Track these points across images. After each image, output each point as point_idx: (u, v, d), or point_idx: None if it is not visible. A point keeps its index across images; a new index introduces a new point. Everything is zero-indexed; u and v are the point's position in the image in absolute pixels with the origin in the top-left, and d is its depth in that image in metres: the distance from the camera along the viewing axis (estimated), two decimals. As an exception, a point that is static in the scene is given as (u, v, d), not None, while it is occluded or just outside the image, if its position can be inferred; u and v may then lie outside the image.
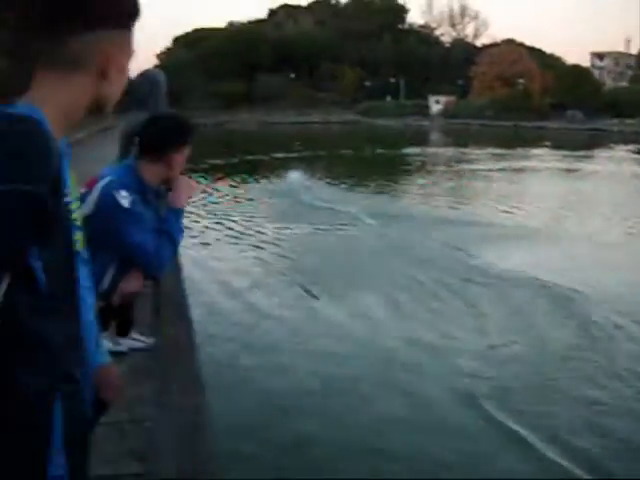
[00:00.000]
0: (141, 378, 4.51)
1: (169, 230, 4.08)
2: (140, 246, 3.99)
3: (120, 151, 7.10)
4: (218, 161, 34.56)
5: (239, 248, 15.23)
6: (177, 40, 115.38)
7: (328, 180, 28.10)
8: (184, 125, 4.28)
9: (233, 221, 18.32)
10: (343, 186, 26.37)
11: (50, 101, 1.65)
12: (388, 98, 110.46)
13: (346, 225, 17.68)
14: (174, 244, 4.11)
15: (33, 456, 1.62)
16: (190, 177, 4.56)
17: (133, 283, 4.20)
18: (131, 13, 1.76)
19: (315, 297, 11.30)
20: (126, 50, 1.78)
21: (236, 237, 16.35)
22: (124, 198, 3.97)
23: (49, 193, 1.50)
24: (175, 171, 4.19)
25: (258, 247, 15.19)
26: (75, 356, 1.75)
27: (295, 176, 27.45)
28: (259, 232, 16.82)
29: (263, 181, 28.13)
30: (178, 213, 4.16)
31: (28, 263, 1.53)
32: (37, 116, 1.57)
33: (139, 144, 4.30)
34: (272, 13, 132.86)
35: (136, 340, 5.16)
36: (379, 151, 45.52)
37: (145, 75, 6.85)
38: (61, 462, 1.65)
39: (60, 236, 1.64)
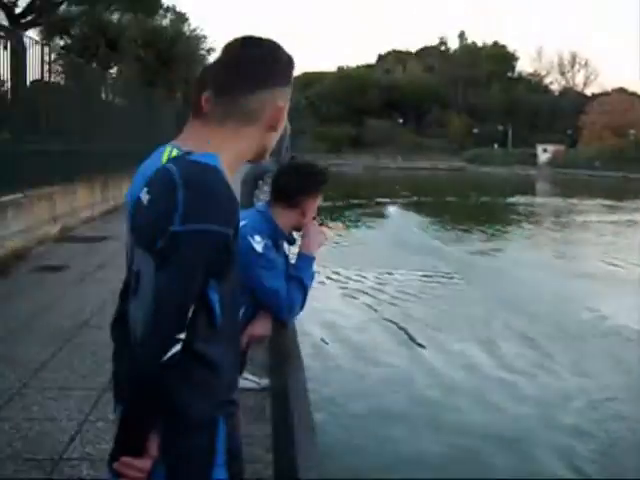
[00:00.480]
0: (250, 419, 4.59)
1: (300, 276, 4.14)
2: (274, 291, 4.05)
3: (246, 195, 7.23)
4: (326, 203, 34.77)
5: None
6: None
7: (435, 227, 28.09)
8: (320, 174, 4.33)
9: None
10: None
11: (226, 150, 1.88)
12: (495, 146, 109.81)
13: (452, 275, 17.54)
14: (305, 290, 4.17)
15: (201, 472, 1.89)
16: (321, 224, 4.61)
17: (262, 327, 4.27)
18: (293, 68, 2.02)
19: (421, 346, 11.23)
20: (288, 103, 2.01)
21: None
22: (258, 243, 4.05)
23: (233, 235, 1.79)
24: (308, 218, 4.25)
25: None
26: (235, 380, 2.05)
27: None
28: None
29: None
30: (309, 259, 4.22)
31: (207, 296, 1.83)
32: (217, 164, 1.82)
33: (273, 190, 4.38)
34: (380, 58, 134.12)
35: (248, 380, 5.24)
36: (484, 199, 44.91)
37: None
38: (223, 476, 1.92)
39: (234, 273, 1.92)
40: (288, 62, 1.98)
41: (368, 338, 11.67)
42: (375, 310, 13.56)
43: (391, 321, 12.65)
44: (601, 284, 16.71)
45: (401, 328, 12.13)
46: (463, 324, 12.65)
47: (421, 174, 79.26)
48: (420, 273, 17.37)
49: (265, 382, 5.48)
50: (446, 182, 69.87)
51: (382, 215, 32.23)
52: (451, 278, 17.10)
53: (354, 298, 14.61)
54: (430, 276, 17.09)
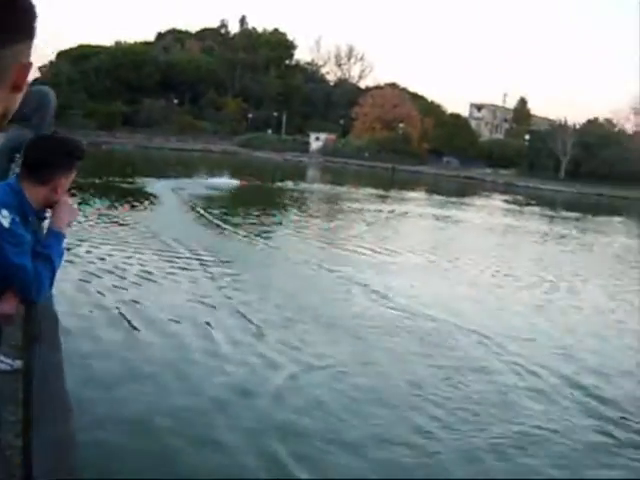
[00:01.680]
0: (3, 403, 4.41)
1: (48, 253, 3.97)
2: (20, 268, 3.85)
3: (0, 168, 6.86)
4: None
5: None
6: (60, 55, 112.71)
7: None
8: (74, 149, 4.14)
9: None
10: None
11: None
12: (269, 131, 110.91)
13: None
14: (53, 268, 3.99)
15: None
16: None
17: (7, 305, 4.08)
18: (35, 18, 1.77)
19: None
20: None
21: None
22: (4, 218, 3.84)
23: None
24: (60, 195, 4.08)
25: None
26: None
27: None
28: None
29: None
30: (59, 237, 4.04)
31: None
32: None
33: (23, 164, 4.16)
34: (160, 36, 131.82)
35: (1, 362, 5.03)
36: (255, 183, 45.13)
37: (33, 90, 6.63)
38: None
39: None
40: (29, 11, 1.85)
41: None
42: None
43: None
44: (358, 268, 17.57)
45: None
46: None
47: (194, 156, 78.94)
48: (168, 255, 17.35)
49: (19, 363, 5.28)
50: (219, 165, 70.02)
51: (149, 195, 31.56)
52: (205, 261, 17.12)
53: (99, 277, 14.33)
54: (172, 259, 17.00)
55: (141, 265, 15.79)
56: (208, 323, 11.71)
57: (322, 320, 12.65)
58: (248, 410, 8.44)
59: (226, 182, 40.13)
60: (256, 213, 28.10)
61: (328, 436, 7.97)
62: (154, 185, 34.15)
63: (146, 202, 28.95)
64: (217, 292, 14.05)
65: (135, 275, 14.74)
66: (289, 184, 45.53)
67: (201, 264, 16.39)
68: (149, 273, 15.04)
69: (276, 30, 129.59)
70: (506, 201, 54.55)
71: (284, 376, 9.62)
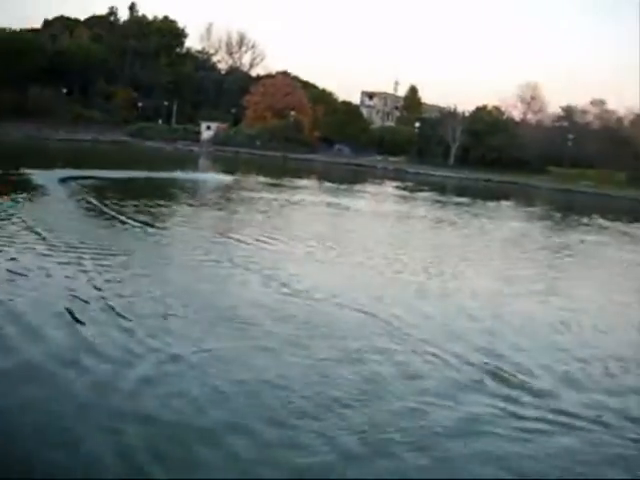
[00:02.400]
0: None
1: None
2: None
3: None
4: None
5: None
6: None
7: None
8: None
9: None
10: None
11: None
12: (160, 121, 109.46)
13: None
14: None
15: None
16: None
17: None
18: None
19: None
20: None
21: None
22: None
23: None
24: None
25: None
26: None
27: None
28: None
29: None
30: None
31: None
32: None
33: None
34: (47, 24, 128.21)
35: None
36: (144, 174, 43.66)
37: None
38: None
39: None
40: None
41: None
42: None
43: None
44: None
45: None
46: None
47: (83, 146, 77.26)
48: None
49: None
50: (108, 155, 68.70)
51: (34, 187, 30.38)
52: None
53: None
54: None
55: (12, 260, 15.07)
56: (78, 320, 11.30)
57: (208, 310, 12.48)
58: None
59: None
60: (148, 204, 27.40)
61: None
62: (39, 176, 32.95)
63: (29, 193, 27.91)
64: (94, 285, 13.53)
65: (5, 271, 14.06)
66: (180, 174, 44.74)
67: (81, 257, 15.80)
68: (23, 268, 14.35)
69: (166, 18, 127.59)
70: (397, 187, 55.29)
71: (149, 366, 9.57)
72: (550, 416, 9.25)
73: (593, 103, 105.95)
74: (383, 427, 8.43)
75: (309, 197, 38.46)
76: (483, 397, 9.68)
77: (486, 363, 11.06)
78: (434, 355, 11.21)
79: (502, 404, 9.48)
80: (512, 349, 12.03)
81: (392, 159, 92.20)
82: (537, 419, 9.14)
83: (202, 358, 10.11)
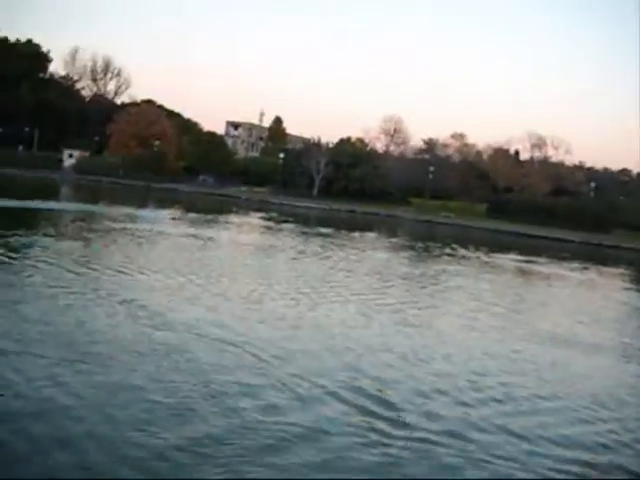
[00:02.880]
0: None
1: None
2: None
3: None
4: None
5: None
6: None
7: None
8: None
9: None
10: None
11: None
12: (20, 148, 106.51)
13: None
14: None
15: None
16: None
17: None
18: None
19: None
20: None
21: None
22: None
23: None
24: None
25: None
26: None
27: None
28: None
29: None
30: None
31: None
32: None
33: None
34: None
35: None
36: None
37: None
38: None
39: None
40: None
41: None
42: None
43: None
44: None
45: None
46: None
47: None
48: None
49: None
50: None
51: None
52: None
53: None
54: None
55: None
56: None
57: (59, 344, 12.13)
58: None
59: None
60: (5, 234, 26.38)
61: None
62: None
63: None
64: None
65: None
66: (40, 204, 43.54)
67: None
68: None
69: (30, 41, 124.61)
70: (262, 218, 55.39)
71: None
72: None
73: (454, 137, 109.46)
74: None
75: (172, 229, 37.98)
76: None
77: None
78: (298, 386, 11.31)
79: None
80: (372, 380, 12.28)
81: (257, 190, 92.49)
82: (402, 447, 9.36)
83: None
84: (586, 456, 10.04)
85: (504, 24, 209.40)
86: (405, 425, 10.25)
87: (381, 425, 10.14)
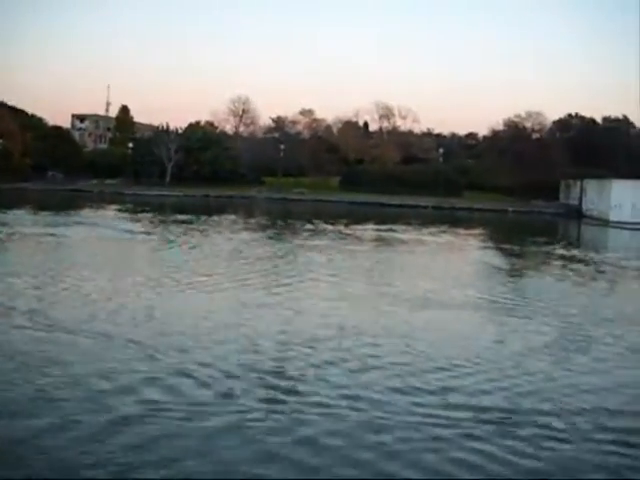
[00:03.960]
0: None
1: None
2: None
3: None
4: None
5: None
6: None
7: None
8: None
9: None
10: None
11: None
12: None
13: None
14: None
15: None
16: None
17: None
18: None
19: None
20: None
21: None
22: None
23: None
24: None
25: None
26: None
27: None
28: None
29: None
30: None
31: None
32: None
33: None
34: None
35: None
36: None
37: None
38: None
39: None
40: None
41: None
42: None
43: None
44: None
45: None
46: None
47: None
48: None
49: None
50: None
51: None
52: None
53: None
54: None
55: None
56: None
57: None
58: None
59: None
60: None
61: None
62: None
63: None
64: None
65: None
66: None
67: None
68: None
69: None
70: (119, 210, 54.28)
71: None
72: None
73: (302, 113, 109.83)
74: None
75: (25, 229, 36.64)
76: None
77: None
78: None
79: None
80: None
81: (109, 182, 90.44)
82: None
83: None
84: (465, 400, 10.92)
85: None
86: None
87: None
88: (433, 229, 48.38)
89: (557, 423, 10.17)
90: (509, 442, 9.37)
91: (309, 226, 45.20)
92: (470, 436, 9.54)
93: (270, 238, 37.44)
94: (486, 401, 10.97)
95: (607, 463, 8.96)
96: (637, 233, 58.29)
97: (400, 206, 73.92)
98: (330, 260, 28.25)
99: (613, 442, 9.56)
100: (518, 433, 9.72)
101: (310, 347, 13.62)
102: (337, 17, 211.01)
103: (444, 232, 46.99)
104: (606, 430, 9.99)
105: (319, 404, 10.42)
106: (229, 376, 11.51)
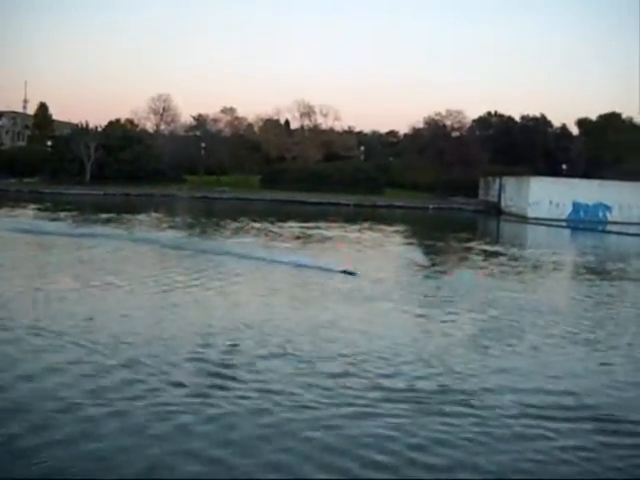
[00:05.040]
0: None
1: None
2: None
3: None
4: None
5: None
6: None
7: None
8: None
9: None
10: None
11: None
12: None
13: None
14: None
15: None
16: None
17: None
18: None
19: None
20: None
21: None
22: None
23: None
24: None
25: None
26: None
27: None
28: None
29: None
30: None
31: None
32: None
33: None
34: None
35: None
36: None
37: None
38: None
39: None
40: None
41: None
42: None
43: None
44: None
45: None
46: None
47: None
48: None
49: None
50: None
51: None
52: None
53: None
54: None
55: None
56: None
57: None
58: None
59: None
60: None
61: None
62: None
63: None
64: None
65: None
66: None
67: None
68: None
69: None
70: (39, 209, 53.33)
71: None
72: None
73: (224, 111, 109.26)
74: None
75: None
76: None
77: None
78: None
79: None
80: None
81: (27, 180, 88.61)
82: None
83: None
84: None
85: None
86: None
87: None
88: (356, 226, 48.88)
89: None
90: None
91: (235, 224, 45.25)
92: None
93: (197, 236, 37.43)
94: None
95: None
96: (554, 229, 59.84)
97: (322, 204, 74.22)
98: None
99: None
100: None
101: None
102: (257, 14, 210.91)
103: (368, 229, 47.51)
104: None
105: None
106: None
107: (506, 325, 16.91)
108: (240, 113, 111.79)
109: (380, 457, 8.93)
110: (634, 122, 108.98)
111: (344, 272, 24.01)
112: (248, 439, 9.23)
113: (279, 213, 58.27)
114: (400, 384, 11.75)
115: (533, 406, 10.98)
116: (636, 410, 11.30)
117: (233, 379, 11.59)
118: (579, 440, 9.79)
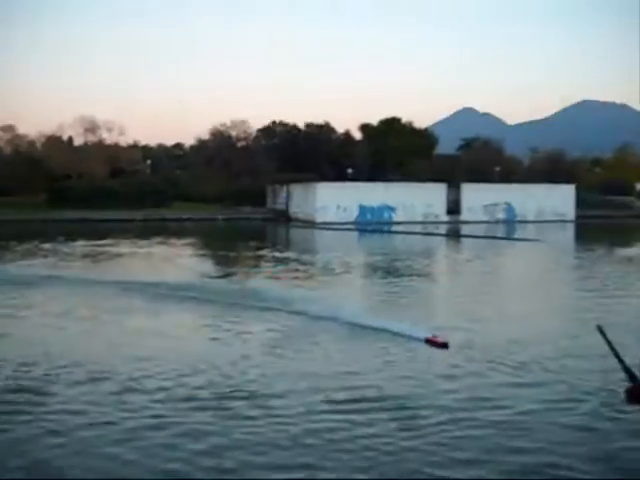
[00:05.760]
0: None
1: None
2: None
3: None
4: None
5: None
6: None
7: None
8: None
9: None
10: None
11: None
12: None
13: None
14: None
15: None
16: None
17: None
18: None
19: None
20: None
21: None
22: None
23: None
24: None
25: None
26: None
27: None
28: None
29: None
30: None
31: None
32: None
33: None
34: None
35: None
36: None
37: None
38: None
39: None
40: None
41: None
42: None
43: None
44: None
45: None
46: None
47: None
48: None
49: None
50: None
51: None
52: None
53: None
54: None
55: None
56: None
57: None
58: None
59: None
60: None
61: None
62: None
63: None
64: None
65: None
66: None
67: None
68: None
69: None
70: None
71: None
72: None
73: (3, 128, 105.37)
74: None
75: None
76: None
77: None
78: None
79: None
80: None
81: None
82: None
83: None
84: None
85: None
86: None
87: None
88: (146, 241, 49.13)
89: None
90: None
91: (25, 246, 44.34)
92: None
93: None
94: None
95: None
96: (342, 233, 62.20)
97: (110, 221, 73.13)
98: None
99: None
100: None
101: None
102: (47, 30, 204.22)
103: (159, 243, 47.96)
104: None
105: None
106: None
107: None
108: (21, 130, 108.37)
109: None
110: (413, 127, 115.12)
111: None
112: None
113: (68, 232, 57.18)
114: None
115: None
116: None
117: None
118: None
